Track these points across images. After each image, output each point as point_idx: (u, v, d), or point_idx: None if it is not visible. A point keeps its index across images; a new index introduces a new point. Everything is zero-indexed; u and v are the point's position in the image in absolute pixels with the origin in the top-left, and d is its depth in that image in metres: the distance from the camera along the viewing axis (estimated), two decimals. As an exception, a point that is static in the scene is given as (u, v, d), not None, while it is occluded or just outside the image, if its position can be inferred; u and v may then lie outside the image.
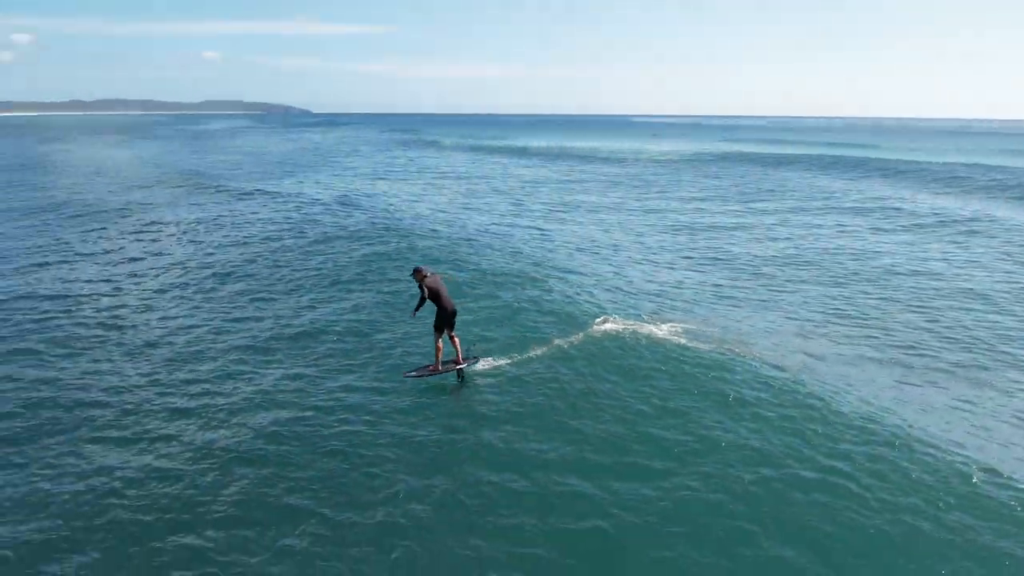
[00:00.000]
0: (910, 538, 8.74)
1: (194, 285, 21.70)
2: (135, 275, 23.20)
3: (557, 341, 15.08)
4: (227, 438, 11.76)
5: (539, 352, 14.67)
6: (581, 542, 8.78)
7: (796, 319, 19.15)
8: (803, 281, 23.39)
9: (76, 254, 26.35)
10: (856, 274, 24.13)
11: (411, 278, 13.48)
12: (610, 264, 24.89)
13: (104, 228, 31.62)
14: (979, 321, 18.67)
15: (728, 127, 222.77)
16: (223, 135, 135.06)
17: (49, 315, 18.68)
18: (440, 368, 13.20)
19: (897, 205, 38.61)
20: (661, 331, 15.89)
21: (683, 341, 15.24)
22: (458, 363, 13.26)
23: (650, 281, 22.35)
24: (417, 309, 13.13)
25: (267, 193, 41.57)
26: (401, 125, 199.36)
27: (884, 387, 14.04)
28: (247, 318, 18.31)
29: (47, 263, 24.88)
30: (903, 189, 46.82)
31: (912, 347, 16.82)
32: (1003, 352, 16.36)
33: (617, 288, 20.73)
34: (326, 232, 28.09)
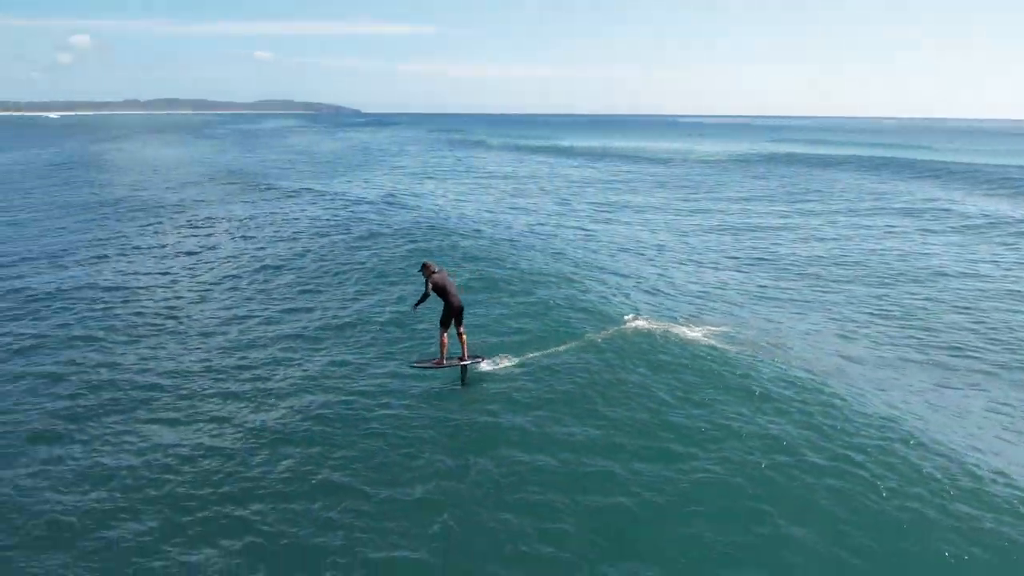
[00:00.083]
0: (916, 522, 9.00)
1: (246, 277, 22.45)
2: (190, 268, 24.07)
3: (589, 336, 15.34)
4: (276, 420, 12.30)
5: (571, 345, 14.96)
6: (606, 518, 9.23)
7: (839, 319, 19.09)
8: (848, 281, 23.24)
9: (134, 248, 27.36)
10: (903, 275, 23.88)
11: (419, 273, 13.73)
12: (654, 265, 24.93)
13: (160, 223, 32.73)
14: (1026, 323, 18.41)
15: (776, 127, 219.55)
16: (274, 135, 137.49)
17: (109, 305, 19.52)
18: (444, 363, 13.48)
19: (947, 207, 37.89)
20: (695, 331, 16.03)
21: (715, 341, 15.36)
22: (462, 360, 13.52)
23: (693, 282, 22.40)
24: (419, 303, 13.36)
25: (316, 191, 42.42)
26: (449, 125, 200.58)
27: (919, 389, 14.00)
28: (296, 309, 18.93)
29: (106, 256, 25.89)
30: (954, 191, 45.83)
31: (956, 348, 16.68)
32: (1050, 355, 16.13)
33: (657, 289, 20.82)
34: (372, 229, 28.63)
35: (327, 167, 64.00)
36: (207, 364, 15.08)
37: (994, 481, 9.85)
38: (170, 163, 65.79)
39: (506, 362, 14.19)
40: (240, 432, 11.93)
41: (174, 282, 22.11)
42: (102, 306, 19.38)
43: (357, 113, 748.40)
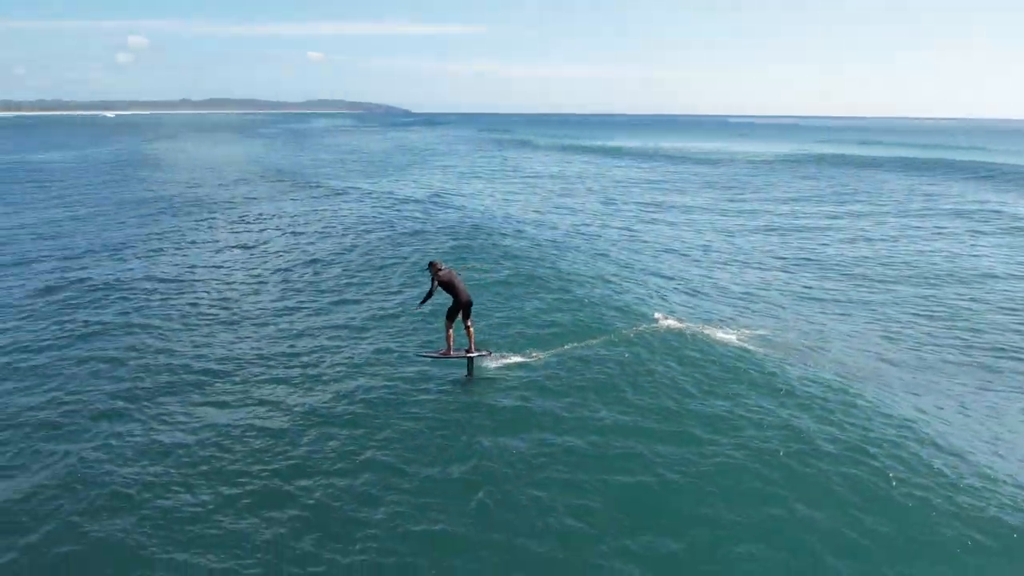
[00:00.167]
0: (921, 508, 9.32)
1: (295, 271, 23.18)
2: (242, 261, 24.90)
3: (623, 332, 15.63)
4: (322, 403, 12.86)
5: (602, 339, 15.29)
6: (630, 496, 9.75)
7: (882, 320, 19.04)
8: (894, 282, 23.10)
9: (189, 242, 28.34)
10: (951, 275, 23.65)
11: (426, 271, 14.14)
12: (698, 266, 24.98)
13: (213, 218, 33.80)
14: (1075, 324, 18.13)
15: (825, 128, 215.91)
16: (325, 134, 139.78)
17: (166, 295, 20.35)
18: (451, 354, 13.87)
19: (998, 208, 37.15)
20: (729, 331, 16.25)
21: (747, 341, 15.59)
22: (469, 352, 13.89)
23: (736, 283, 22.44)
24: (423, 302, 13.74)
25: (364, 190, 43.27)
26: (498, 125, 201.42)
27: (956, 391, 14.03)
28: (343, 300, 19.56)
29: (163, 249, 26.89)
30: (1006, 193, 44.81)
31: (1000, 350, 16.59)
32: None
33: (698, 290, 20.92)
34: (417, 227, 29.18)
35: (375, 166, 65.02)
36: (258, 351, 15.71)
37: (1005, 481, 10.01)
38: (223, 161, 67.44)
39: (539, 353, 14.59)
40: (288, 414, 12.49)
41: (227, 274, 22.92)
42: (159, 296, 20.22)
43: (406, 113, 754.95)
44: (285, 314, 18.55)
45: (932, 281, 23.15)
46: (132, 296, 20.14)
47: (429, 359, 14.32)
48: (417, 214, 32.95)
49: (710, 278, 22.91)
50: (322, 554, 8.68)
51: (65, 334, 16.79)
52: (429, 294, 13.44)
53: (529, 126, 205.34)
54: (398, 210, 34.59)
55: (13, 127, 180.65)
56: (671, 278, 22.30)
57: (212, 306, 19.34)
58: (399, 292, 20.00)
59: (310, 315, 18.43)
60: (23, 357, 15.36)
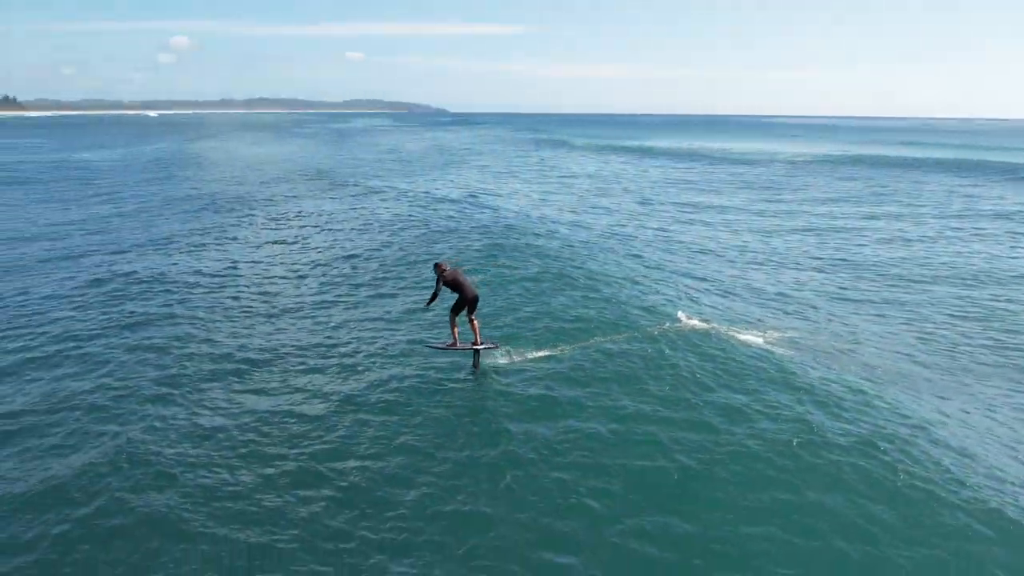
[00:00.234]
0: (926, 500, 9.57)
1: (332, 265, 23.78)
2: (281, 256, 25.55)
3: (648, 329, 15.87)
4: (357, 391, 13.35)
5: (627, 335, 15.58)
6: (648, 479, 10.20)
7: (917, 320, 19.03)
8: (931, 282, 23.02)
9: (230, 238, 29.09)
10: (988, 276, 23.50)
11: (432, 272, 14.60)
12: (733, 266, 25.00)
13: (254, 215, 34.61)
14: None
15: (864, 128, 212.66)
16: (362, 133, 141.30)
17: (208, 288, 21.01)
18: (458, 345, 14.28)
19: (1040, 209, 36.58)
20: (756, 331, 16.43)
21: (772, 341, 15.78)
22: (475, 344, 14.26)
23: (771, 284, 22.46)
24: (430, 302, 14.12)
25: (401, 189, 43.86)
26: (534, 125, 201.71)
27: (987, 394, 14.04)
28: (378, 295, 20.06)
29: (205, 244, 27.66)
30: (1050, 194, 44.03)
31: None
32: None
33: (729, 291, 20.98)
34: (451, 226, 29.58)
35: (412, 165, 65.68)
36: (296, 342, 16.23)
37: (1012, 482, 10.15)
38: (264, 160, 68.64)
39: (564, 346, 15.00)
40: (325, 402, 12.97)
41: (267, 269, 23.56)
42: (202, 289, 20.88)
43: (444, 112, 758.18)
44: (323, 307, 19.08)
45: (969, 282, 22.99)
46: (176, 289, 20.82)
47: (436, 350, 14.77)
48: (453, 213, 33.36)
49: (744, 279, 22.95)
50: (354, 531, 9.10)
51: (113, 324, 17.47)
52: (434, 295, 13.88)
53: (566, 126, 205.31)
54: (434, 209, 35.03)
55: (62, 126, 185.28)
56: (703, 279, 22.38)
57: (253, 299, 19.94)
58: (432, 287, 20.43)
59: (347, 308, 18.95)
60: (74, 345, 16.04)
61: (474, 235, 27.31)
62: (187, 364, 14.89)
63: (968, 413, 12.87)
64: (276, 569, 8.48)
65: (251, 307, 19.17)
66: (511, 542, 8.87)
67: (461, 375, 14.05)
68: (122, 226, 32.35)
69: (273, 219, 33.59)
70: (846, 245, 29.33)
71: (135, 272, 22.67)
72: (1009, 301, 20.42)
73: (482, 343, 14.27)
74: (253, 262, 24.63)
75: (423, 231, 28.84)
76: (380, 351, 15.46)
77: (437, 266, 14.10)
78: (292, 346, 15.99)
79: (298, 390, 13.54)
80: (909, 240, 30.28)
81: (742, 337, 15.63)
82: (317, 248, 26.80)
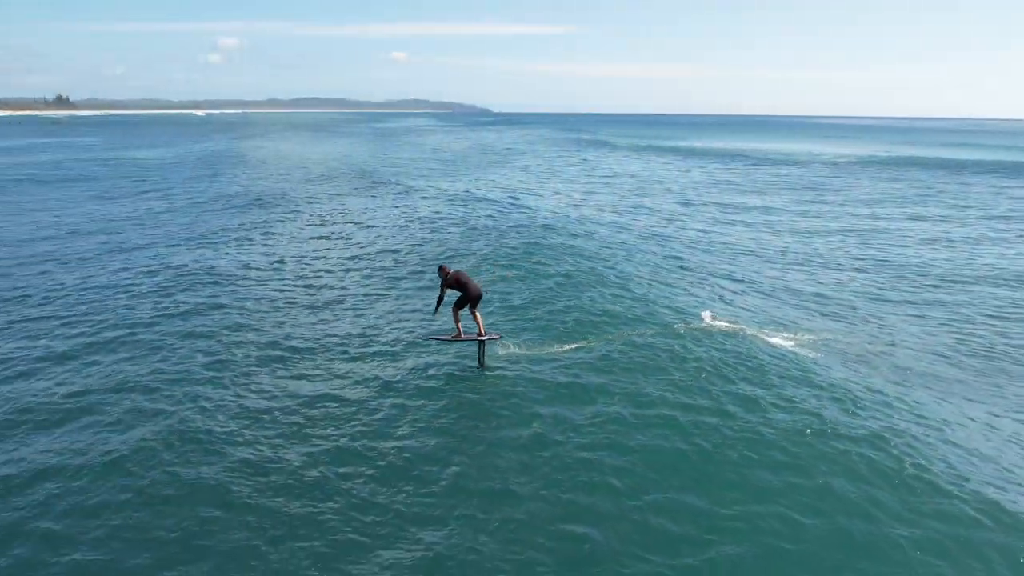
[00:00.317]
0: (927, 489, 9.96)
1: (374, 260, 24.49)
2: (324, 251, 26.31)
3: (675, 327, 16.21)
4: (394, 378, 13.97)
5: (655, 331, 15.99)
6: (667, 459, 10.78)
7: (956, 321, 19.00)
8: (973, 283, 22.85)
9: (276, 233, 29.98)
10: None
11: (437, 275, 14.98)
12: (773, 267, 24.98)
13: (299, 211, 35.55)
14: None
15: (907, 129, 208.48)
16: (406, 133, 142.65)
17: (255, 280, 21.82)
18: (462, 336, 14.66)
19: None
20: (787, 332, 16.70)
21: (802, 341, 16.06)
22: (480, 336, 14.60)
23: (810, 284, 22.47)
24: (437, 306, 14.50)
25: (442, 188, 44.44)
26: (577, 125, 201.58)
27: (1019, 398, 14.05)
28: (418, 288, 20.63)
29: (252, 239, 28.56)
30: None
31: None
32: None
33: (767, 292, 21.09)
34: (490, 224, 29.99)
35: (455, 165, 66.27)
36: (338, 332, 16.88)
37: (1019, 483, 10.34)
38: (308, 159, 69.87)
39: (593, 339, 15.54)
40: (365, 387, 13.58)
41: (311, 263, 24.32)
42: (249, 281, 21.68)
43: (487, 112, 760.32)
44: (364, 299, 19.73)
45: (1012, 283, 22.77)
46: (224, 281, 21.63)
47: (441, 342, 15.16)
48: (492, 212, 33.76)
49: (783, 280, 22.99)
50: (391, 505, 9.63)
51: (165, 313, 18.28)
52: (439, 299, 14.31)
53: (609, 126, 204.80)
54: (474, 208, 35.46)
55: (113, 124, 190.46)
56: (740, 280, 22.47)
57: (297, 291, 20.67)
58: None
59: (387, 300, 19.58)
60: (129, 332, 16.84)
61: (513, 233, 27.71)
62: (235, 351, 15.59)
63: (996, 416, 12.97)
64: (317, 538, 9.01)
65: (295, 298, 19.86)
66: (539, 517, 9.38)
67: (494, 363, 14.55)
68: (173, 221, 33.50)
69: (317, 215, 34.46)
70: (889, 246, 29.13)
71: (185, 264, 23.59)
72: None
73: (486, 334, 14.68)
74: (298, 256, 25.40)
75: (462, 229, 29.32)
76: (418, 341, 16.03)
77: (441, 269, 14.60)
78: (334, 335, 16.62)
79: (339, 376, 14.14)
80: (953, 241, 29.99)
81: (771, 339, 15.86)
82: (359, 243, 27.50)
